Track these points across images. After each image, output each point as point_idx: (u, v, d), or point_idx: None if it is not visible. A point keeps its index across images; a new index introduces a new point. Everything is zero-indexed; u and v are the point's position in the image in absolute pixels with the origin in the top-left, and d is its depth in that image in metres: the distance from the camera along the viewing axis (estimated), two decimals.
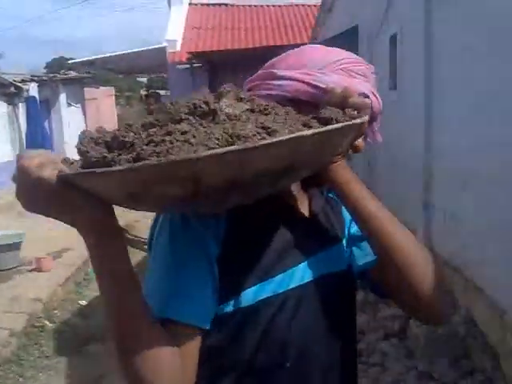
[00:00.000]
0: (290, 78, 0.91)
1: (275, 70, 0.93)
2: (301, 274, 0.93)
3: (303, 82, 0.90)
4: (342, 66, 0.91)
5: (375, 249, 0.93)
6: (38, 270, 5.34)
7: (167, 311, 0.81)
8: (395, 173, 5.00)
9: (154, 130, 0.70)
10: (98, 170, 0.64)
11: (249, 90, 0.95)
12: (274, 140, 0.64)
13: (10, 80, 9.99)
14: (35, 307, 4.46)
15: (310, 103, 0.87)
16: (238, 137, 0.65)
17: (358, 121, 0.74)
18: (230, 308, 0.87)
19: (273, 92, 0.91)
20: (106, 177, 0.64)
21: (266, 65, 0.97)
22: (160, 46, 11.53)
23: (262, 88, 0.93)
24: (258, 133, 0.66)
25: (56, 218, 0.73)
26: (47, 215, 0.72)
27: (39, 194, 0.69)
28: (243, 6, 13.30)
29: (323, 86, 0.87)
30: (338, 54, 0.94)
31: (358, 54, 0.98)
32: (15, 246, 5.49)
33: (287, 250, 0.92)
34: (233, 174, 0.64)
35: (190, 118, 0.70)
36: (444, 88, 3.73)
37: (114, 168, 0.63)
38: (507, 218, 2.71)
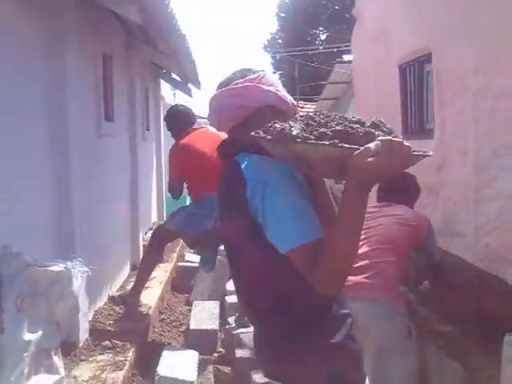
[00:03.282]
0: (269, 91, 1.48)
1: (262, 86, 1.47)
2: None
3: (277, 94, 1.49)
4: (280, 86, 1.55)
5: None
6: None
7: (314, 233, 1.26)
8: None
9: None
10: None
11: (231, 96, 1.48)
12: (423, 154, 1.17)
13: None
14: None
15: (276, 108, 1.48)
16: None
17: (429, 154, 1.19)
18: None
19: (260, 98, 1.47)
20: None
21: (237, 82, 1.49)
22: None
23: (250, 96, 1.47)
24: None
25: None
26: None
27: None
28: None
29: (287, 99, 1.51)
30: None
31: None
32: None
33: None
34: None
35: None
36: None
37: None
38: None
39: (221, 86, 1.54)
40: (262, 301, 1.43)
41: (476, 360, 3.02)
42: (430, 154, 1.20)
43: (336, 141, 1.11)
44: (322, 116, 1.22)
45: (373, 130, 1.16)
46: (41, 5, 2.97)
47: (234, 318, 4.28)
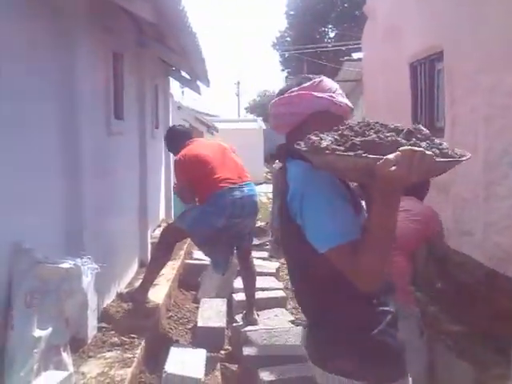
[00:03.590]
0: (323, 98, 1.55)
1: (314, 93, 1.55)
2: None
3: (332, 100, 1.55)
4: (339, 91, 1.61)
5: None
6: None
7: (351, 234, 1.35)
8: None
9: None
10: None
11: (285, 104, 1.58)
12: (462, 159, 1.25)
13: None
14: None
15: (331, 113, 1.55)
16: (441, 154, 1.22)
17: (464, 158, 1.26)
18: None
19: (311, 105, 1.55)
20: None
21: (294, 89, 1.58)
22: None
23: (302, 103, 1.55)
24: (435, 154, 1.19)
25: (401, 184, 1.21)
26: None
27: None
28: None
29: (342, 104, 1.57)
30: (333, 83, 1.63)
31: None
32: None
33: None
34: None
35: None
36: None
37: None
38: None
39: (279, 93, 1.66)
40: (307, 295, 1.58)
41: (485, 359, 3.01)
42: (466, 157, 1.26)
43: (360, 152, 1.20)
44: (361, 125, 1.32)
45: (400, 139, 1.23)
46: (52, 3, 2.98)
47: (241, 315, 4.28)
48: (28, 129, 2.64)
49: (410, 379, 1.53)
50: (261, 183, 13.86)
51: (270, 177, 15.82)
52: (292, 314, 4.58)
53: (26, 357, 2.21)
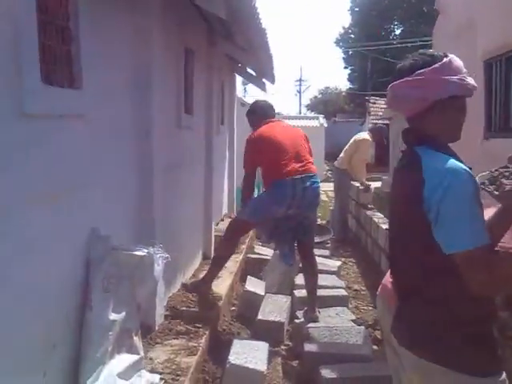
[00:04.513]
0: (453, 82, 1.47)
1: (446, 77, 1.47)
2: None
3: (461, 84, 1.48)
4: (464, 69, 1.53)
5: None
6: None
7: (485, 239, 1.36)
8: None
9: None
10: None
11: (413, 87, 1.49)
12: None
13: None
14: None
15: (458, 96, 1.50)
16: None
17: None
18: None
19: (443, 91, 1.47)
20: None
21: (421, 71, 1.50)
22: None
23: (433, 89, 1.47)
24: None
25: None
26: None
27: None
28: None
29: (470, 86, 1.50)
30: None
31: None
32: None
33: None
34: None
35: None
36: None
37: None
38: None
39: (402, 71, 1.56)
40: (413, 281, 1.55)
41: None
42: None
43: None
44: None
45: None
46: (130, 2, 3.09)
47: (302, 312, 4.29)
48: (106, 121, 2.75)
49: (505, 377, 1.51)
50: (321, 181, 13.73)
51: (330, 175, 15.67)
52: (353, 313, 4.53)
53: (102, 338, 2.32)
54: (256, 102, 4.53)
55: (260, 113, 4.29)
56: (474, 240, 1.36)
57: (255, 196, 4.27)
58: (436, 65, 1.49)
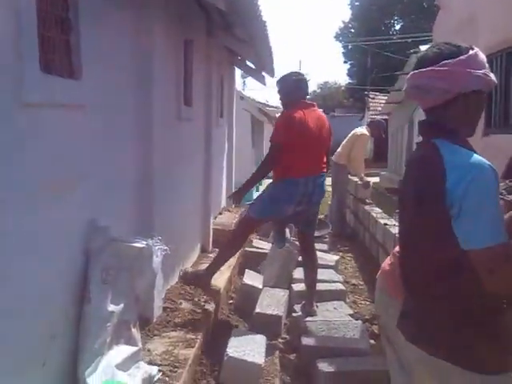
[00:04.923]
0: (478, 76, 1.44)
1: (471, 70, 1.43)
2: None
3: (486, 79, 1.45)
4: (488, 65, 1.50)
5: None
6: None
7: (504, 237, 1.35)
8: None
9: None
10: None
11: (438, 78, 1.45)
12: None
13: None
14: None
15: (480, 90, 1.48)
16: None
17: None
18: None
19: (468, 84, 1.44)
20: None
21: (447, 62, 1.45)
22: None
23: (458, 81, 1.43)
24: None
25: None
26: None
27: None
28: None
29: (491, 82, 1.48)
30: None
31: None
32: None
33: None
34: None
35: None
36: None
37: None
38: None
39: (425, 60, 1.52)
40: (425, 277, 1.52)
41: None
42: None
43: None
44: None
45: None
46: None
47: (299, 306, 4.29)
48: (107, 113, 2.74)
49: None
50: None
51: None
52: (351, 307, 4.54)
53: (101, 330, 2.32)
54: (299, 77, 4.11)
55: (300, 93, 4.03)
56: (496, 237, 1.35)
57: (265, 191, 4.14)
58: (462, 56, 1.46)
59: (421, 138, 1.60)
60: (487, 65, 1.49)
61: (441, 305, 1.49)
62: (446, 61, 1.45)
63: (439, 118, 1.50)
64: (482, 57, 1.49)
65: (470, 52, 1.48)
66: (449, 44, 1.51)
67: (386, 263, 1.95)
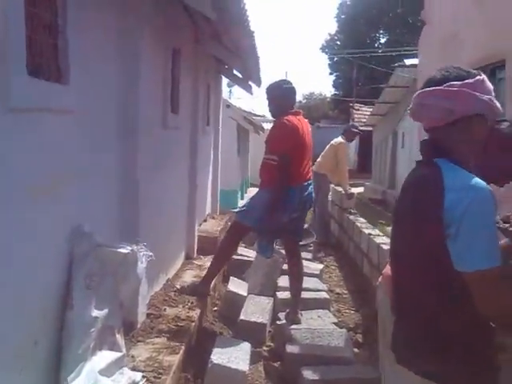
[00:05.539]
0: (483, 100, 1.47)
1: (477, 93, 1.46)
2: None
3: (490, 104, 1.49)
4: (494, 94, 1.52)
5: None
6: None
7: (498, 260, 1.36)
8: None
9: None
10: None
11: (443, 98, 1.47)
12: None
13: None
14: None
15: (484, 116, 1.50)
16: None
17: None
18: None
19: (473, 107, 1.46)
20: None
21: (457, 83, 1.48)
22: None
23: (463, 102, 1.46)
24: None
25: None
26: None
27: None
28: None
29: (496, 109, 1.51)
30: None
31: None
32: None
33: None
34: None
35: None
36: None
37: None
38: None
39: (432, 82, 1.54)
40: (421, 301, 1.51)
41: None
42: None
43: None
44: None
45: None
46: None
47: (284, 314, 4.30)
48: (91, 119, 2.72)
49: None
50: None
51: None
52: (335, 316, 4.56)
53: (84, 335, 2.30)
54: (288, 85, 4.12)
55: (290, 101, 4.06)
56: (490, 260, 1.36)
57: (258, 198, 4.02)
58: (469, 80, 1.49)
59: (420, 157, 1.61)
60: (493, 93, 1.52)
61: (431, 326, 1.49)
62: (453, 82, 1.49)
63: (441, 138, 1.51)
64: (489, 84, 1.53)
65: (478, 77, 1.51)
66: (458, 68, 1.54)
67: (388, 269, 1.94)
